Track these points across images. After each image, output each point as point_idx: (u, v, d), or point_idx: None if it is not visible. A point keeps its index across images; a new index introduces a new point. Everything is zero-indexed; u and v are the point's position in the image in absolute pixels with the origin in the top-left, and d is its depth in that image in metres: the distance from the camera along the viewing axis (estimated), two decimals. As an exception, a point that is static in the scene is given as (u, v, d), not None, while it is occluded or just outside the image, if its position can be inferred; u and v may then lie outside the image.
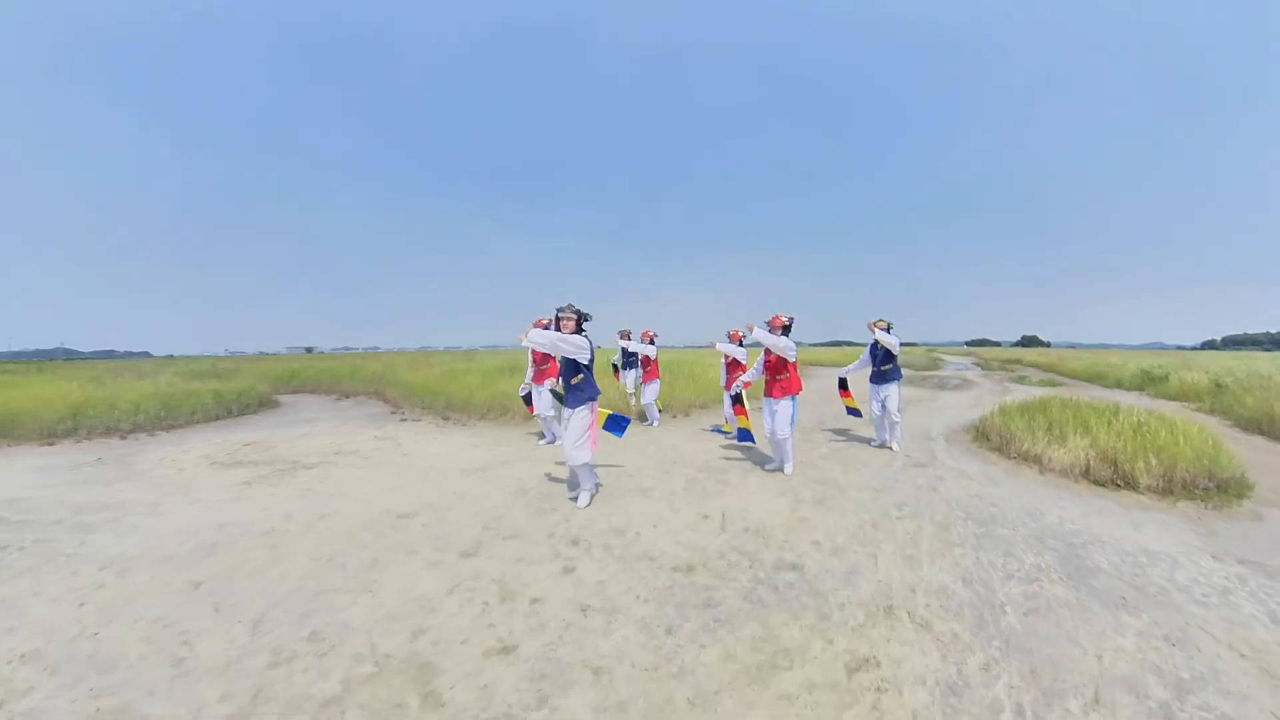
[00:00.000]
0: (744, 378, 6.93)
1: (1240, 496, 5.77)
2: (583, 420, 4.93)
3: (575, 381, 4.96)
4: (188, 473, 6.78)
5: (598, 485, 5.50)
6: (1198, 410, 12.31)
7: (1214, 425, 10.06)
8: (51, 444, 8.67)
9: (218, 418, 11.66)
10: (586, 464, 5.04)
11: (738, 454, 7.45)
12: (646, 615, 3.15)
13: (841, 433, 9.04)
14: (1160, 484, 5.91)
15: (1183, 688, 2.58)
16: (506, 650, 2.80)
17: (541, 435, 8.56)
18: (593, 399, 5.03)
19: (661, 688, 2.51)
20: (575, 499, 5.21)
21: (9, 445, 8.56)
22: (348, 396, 16.76)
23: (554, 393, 5.22)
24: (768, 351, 6.37)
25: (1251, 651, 2.88)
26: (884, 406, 7.65)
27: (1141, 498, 5.69)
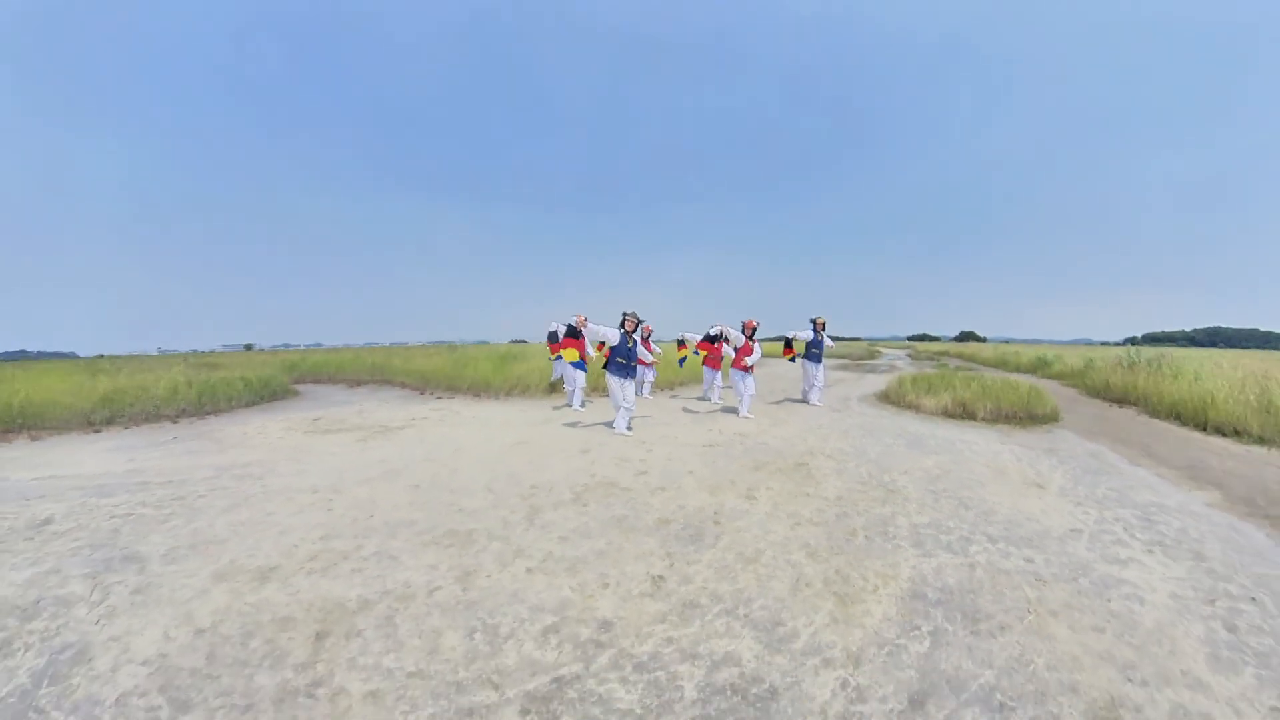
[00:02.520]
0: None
1: (1045, 423, 9.07)
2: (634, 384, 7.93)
3: (633, 363, 7.98)
4: (289, 439, 7.55)
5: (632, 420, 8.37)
6: (1065, 384, 16.09)
7: (1071, 392, 13.78)
8: (98, 431, 8.71)
9: (251, 403, 12.13)
10: (634, 409, 8.00)
11: (718, 408, 10.55)
12: (700, 457, 6.23)
13: (784, 397, 12.29)
14: (991, 416, 9.24)
15: (949, 470, 5.73)
16: (643, 473, 5.64)
17: (569, 404, 11.15)
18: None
19: (719, 474, 5.54)
20: (619, 428, 7.95)
21: (50, 435, 8.37)
22: (360, 384, 18.16)
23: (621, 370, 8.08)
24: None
25: (994, 465, 6.07)
26: (815, 377, 10.92)
27: (976, 423, 9.02)
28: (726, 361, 10.61)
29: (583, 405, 10.68)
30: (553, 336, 11.01)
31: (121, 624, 2.86)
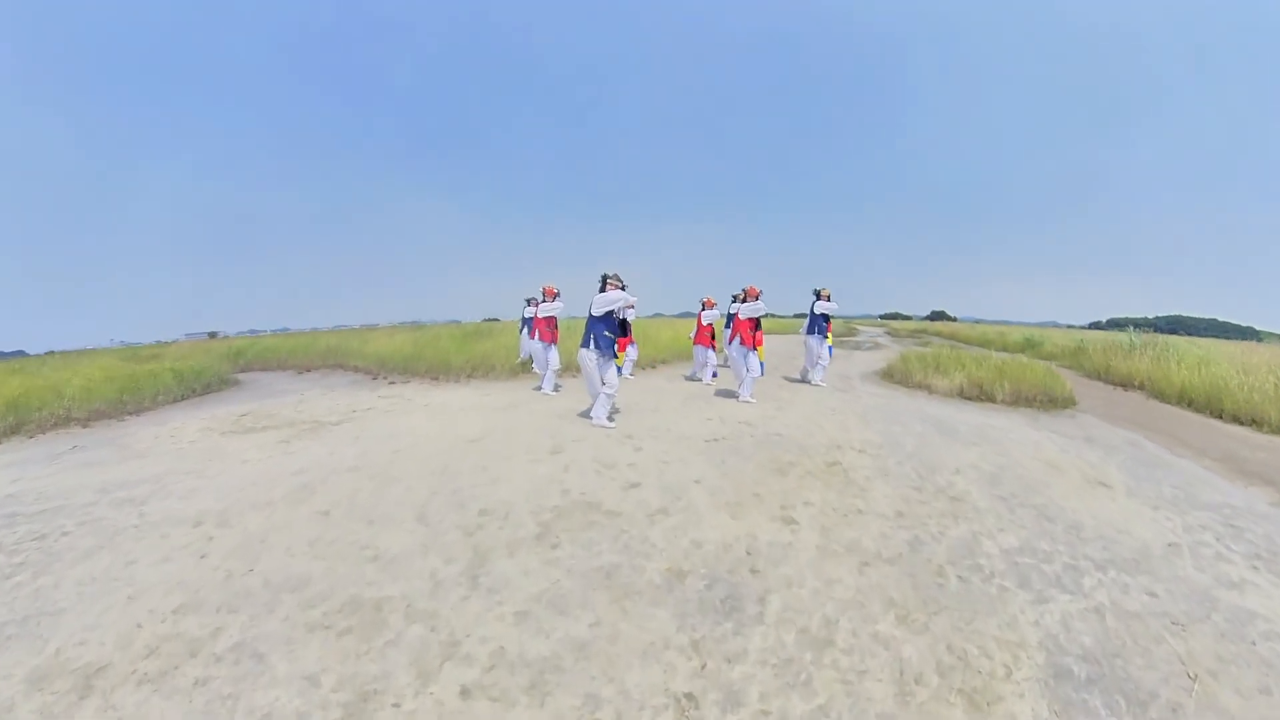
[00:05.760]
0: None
1: (1065, 407, 8.32)
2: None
3: (616, 337, 6.41)
4: (203, 443, 6.40)
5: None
6: (1059, 365, 15.48)
7: (1069, 374, 13.09)
8: (-2, 444, 7.30)
9: (182, 398, 10.61)
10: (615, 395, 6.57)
11: (709, 389, 9.41)
12: (704, 457, 5.08)
13: (779, 375, 11.14)
14: (1011, 399, 8.40)
15: (1004, 468, 4.76)
16: (635, 485, 4.55)
17: (539, 387, 9.91)
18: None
19: (736, 482, 4.37)
20: (599, 418, 6.48)
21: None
22: (308, 370, 16.61)
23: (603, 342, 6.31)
24: (738, 315, 8.31)
25: (1042, 458, 5.14)
26: (819, 354, 9.84)
27: (997, 406, 8.15)
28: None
29: (556, 389, 9.51)
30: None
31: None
